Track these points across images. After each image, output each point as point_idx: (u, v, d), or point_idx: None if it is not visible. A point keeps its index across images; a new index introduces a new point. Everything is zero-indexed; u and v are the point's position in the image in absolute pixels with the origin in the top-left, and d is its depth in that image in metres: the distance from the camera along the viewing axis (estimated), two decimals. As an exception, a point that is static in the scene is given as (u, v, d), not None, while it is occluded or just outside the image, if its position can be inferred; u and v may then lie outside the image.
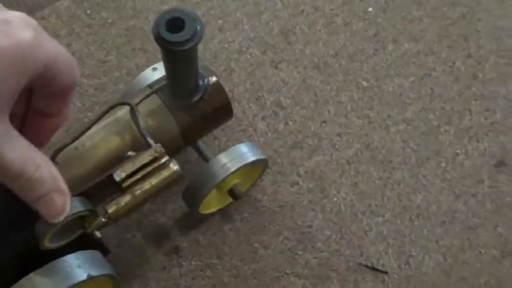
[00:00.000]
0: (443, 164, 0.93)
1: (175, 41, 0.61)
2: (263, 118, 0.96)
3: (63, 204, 0.44)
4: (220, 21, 1.04)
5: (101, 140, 0.71)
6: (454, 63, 1.02)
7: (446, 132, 0.96)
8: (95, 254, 0.71)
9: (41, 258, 0.66)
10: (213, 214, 0.89)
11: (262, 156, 0.82)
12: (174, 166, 0.64)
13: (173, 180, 0.65)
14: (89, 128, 0.69)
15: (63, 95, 0.42)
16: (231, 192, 0.83)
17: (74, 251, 0.67)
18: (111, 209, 0.63)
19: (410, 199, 0.91)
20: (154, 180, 0.64)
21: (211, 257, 0.86)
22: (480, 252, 0.87)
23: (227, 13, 1.05)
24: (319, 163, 0.93)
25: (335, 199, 0.91)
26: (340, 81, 1.00)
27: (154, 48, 1.00)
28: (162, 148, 0.65)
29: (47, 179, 0.42)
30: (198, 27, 0.62)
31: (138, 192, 0.63)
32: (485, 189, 0.91)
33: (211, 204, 0.87)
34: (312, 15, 1.07)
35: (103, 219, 0.64)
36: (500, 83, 1.00)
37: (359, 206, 0.90)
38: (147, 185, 0.64)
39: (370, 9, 1.07)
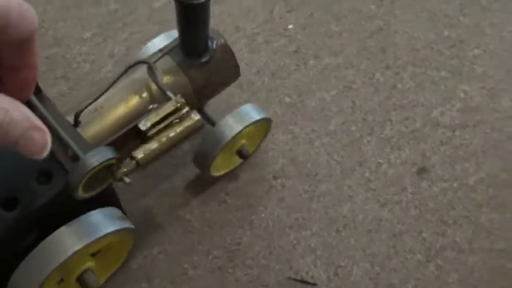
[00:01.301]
0: (367, 174, 0.95)
1: None
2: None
3: (43, 139, 0.45)
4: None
5: (119, 99, 0.75)
6: (373, 74, 1.05)
7: (368, 142, 0.98)
8: (117, 210, 0.75)
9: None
10: (222, 176, 0.93)
11: (265, 116, 0.87)
12: (195, 116, 0.71)
13: (195, 129, 0.71)
14: (108, 89, 0.73)
15: (26, 45, 0.43)
16: (240, 153, 0.89)
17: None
18: (139, 155, 0.68)
19: (337, 210, 0.92)
20: (178, 128, 0.70)
21: (141, 281, 0.86)
22: (406, 258, 0.89)
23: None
24: (246, 180, 0.94)
25: (263, 215, 0.91)
26: (264, 98, 1.01)
27: (77, 76, 1.00)
28: (182, 99, 0.71)
29: (20, 120, 0.43)
30: None
31: (164, 139, 0.69)
32: (408, 196, 0.93)
33: (222, 166, 0.91)
34: (233, 35, 1.08)
35: (131, 165, 0.68)
36: (418, 91, 1.03)
37: (286, 221, 0.91)
38: (171, 133, 0.69)
39: (290, 26, 1.10)
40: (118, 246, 0.80)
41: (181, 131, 0.70)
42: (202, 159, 0.86)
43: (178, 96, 0.71)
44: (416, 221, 0.91)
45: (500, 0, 1.14)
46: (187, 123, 0.70)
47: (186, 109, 0.70)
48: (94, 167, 0.63)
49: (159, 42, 0.88)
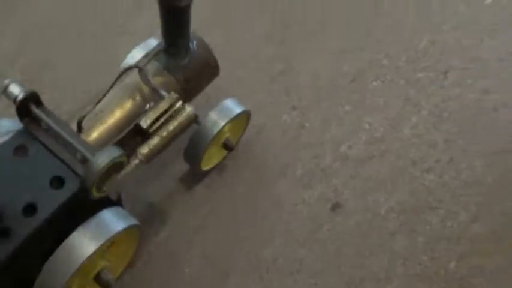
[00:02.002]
0: (284, 216, 0.98)
1: None
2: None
3: None
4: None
5: (116, 104, 0.82)
6: (281, 117, 1.08)
7: (282, 184, 1.01)
8: (121, 209, 0.81)
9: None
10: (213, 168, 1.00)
11: (245, 108, 0.95)
12: (189, 108, 0.80)
13: (191, 120, 0.81)
14: (104, 95, 0.79)
15: None
16: (225, 145, 0.97)
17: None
18: (144, 150, 0.77)
19: (258, 255, 0.94)
20: (175, 122, 0.79)
21: None
22: (329, 294, 0.92)
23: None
24: (167, 239, 0.96)
25: (187, 270, 0.93)
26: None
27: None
28: (176, 95, 0.80)
29: None
30: None
31: (164, 133, 0.78)
32: (325, 233, 0.97)
33: (211, 160, 0.99)
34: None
35: (137, 160, 0.77)
36: (325, 128, 1.07)
37: (210, 272, 0.93)
38: (170, 126, 0.79)
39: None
40: (125, 243, 0.85)
41: (179, 124, 0.80)
42: (193, 157, 0.93)
43: (172, 93, 0.80)
44: (335, 256, 0.95)
45: (394, 32, 1.20)
46: (183, 115, 0.80)
47: (180, 103, 0.80)
48: (105, 165, 0.69)
49: (137, 53, 0.93)
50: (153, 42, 0.93)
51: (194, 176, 1.00)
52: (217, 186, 1.01)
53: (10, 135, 0.76)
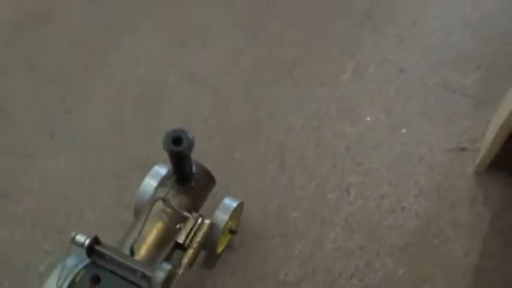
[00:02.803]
0: None
1: (179, 150, 1.05)
2: None
3: None
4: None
5: (152, 228, 1.12)
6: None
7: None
8: None
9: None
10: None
11: (239, 201, 1.27)
12: (207, 221, 1.11)
13: (210, 229, 1.12)
14: (144, 224, 1.08)
15: None
16: (230, 231, 1.27)
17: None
18: (185, 261, 1.07)
19: None
20: (200, 233, 1.10)
21: None
22: None
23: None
24: None
25: None
26: None
27: None
28: (196, 213, 1.11)
29: None
30: (191, 140, 1.05)
31: (195, 245, 1.09)
32: None
33: (221, 244, 1.28)
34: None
35: (182, 269, 1.06)
36: (264, 263, 1.30)
37: None
38: (198, 238, 1.09)
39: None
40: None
41: (204, 234, 1.10)
42: (211, 246, 1.22)
43: (193, 213, 1.11)
44: None
45: (300, 164, 1.46)
46: (205, 227, 1.10)
47: (201, 219, 1.11)
48: (163, 279, 0.97)
49: (150, 181, 1.22)
50: (159, 169, 1.24)
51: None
52: None
53: (79, 267, 1.03)
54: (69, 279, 1.00)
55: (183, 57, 1.63)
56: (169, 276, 0.99)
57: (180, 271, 1.06)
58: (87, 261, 1.02)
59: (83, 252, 1.01)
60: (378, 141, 1.44)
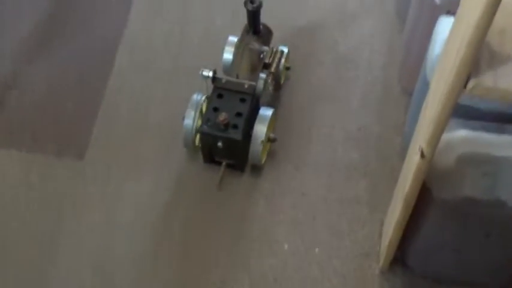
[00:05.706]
0: None
1: (254, 6, 1.54)
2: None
3: None
4: None
5: (245, 61, 1.61)
6: None
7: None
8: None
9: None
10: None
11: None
12: (279, 48, 1.64)
13: (283, 53, 1.64)
14: (241, 60, 1.60)
15: None
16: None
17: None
18: (271, 70, 1.60)
19: None
20: (278, 55, 1.62)
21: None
22: None
23: None
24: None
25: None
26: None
27: None
28: (271, 46, 1.62)
29: None
30: (261, 1, 1.53)
31: (276, 60, 1.59)
32: None
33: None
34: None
35: (270, 80, 1.57)
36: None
37: None
38: (277, 58, 1.61)
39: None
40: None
41: (279, 56, 1.62)
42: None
43: (270, 46, 1.65)
44: None
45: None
46: (279, 51, 1.64)
47: (275, 47, 1.64)
48: (262, 85, 1.53)
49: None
50: (232, 38, 1.61)
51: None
52: None
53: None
54: (204, 97, 1.51)
55: None
56: (265, 83, 1.51)
57: (269, 80, 1.55)
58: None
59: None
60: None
